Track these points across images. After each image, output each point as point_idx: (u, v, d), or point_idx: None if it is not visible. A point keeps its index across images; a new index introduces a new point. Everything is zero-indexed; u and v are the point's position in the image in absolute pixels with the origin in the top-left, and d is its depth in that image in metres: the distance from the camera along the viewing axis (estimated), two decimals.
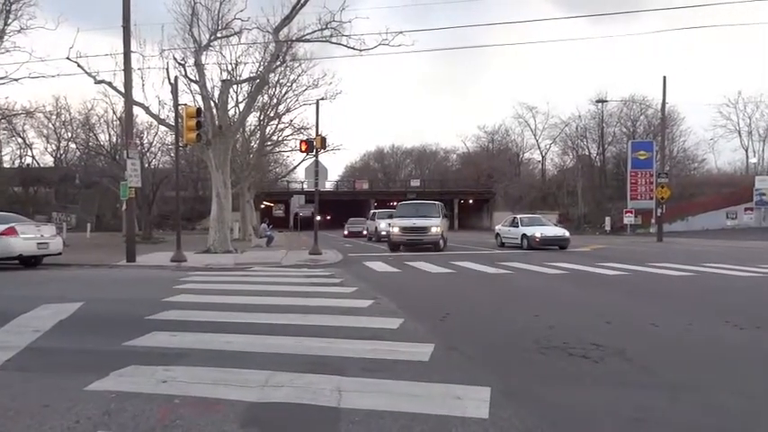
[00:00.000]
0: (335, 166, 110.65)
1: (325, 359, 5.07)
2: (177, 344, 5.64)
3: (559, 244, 21.65)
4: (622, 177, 49.91)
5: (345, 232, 39.94)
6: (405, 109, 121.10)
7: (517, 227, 22.96)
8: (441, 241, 20.45)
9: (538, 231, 21.82)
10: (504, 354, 5.37)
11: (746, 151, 56.13)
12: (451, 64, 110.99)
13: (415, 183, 66.24)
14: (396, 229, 20.97)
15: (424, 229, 20.48)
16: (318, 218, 20.33)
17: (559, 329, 6.35)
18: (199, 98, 22.18)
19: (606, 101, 49.12)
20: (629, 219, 41.19)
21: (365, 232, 36.68)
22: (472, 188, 64.99)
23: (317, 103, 21.15)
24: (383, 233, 27.52)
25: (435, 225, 20.57)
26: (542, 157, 63.73)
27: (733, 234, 36.28)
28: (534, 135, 63.82)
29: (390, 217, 24.80)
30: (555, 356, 5.20)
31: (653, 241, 29.68)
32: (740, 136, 56.29)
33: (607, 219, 44.55)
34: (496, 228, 25.89)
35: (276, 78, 30.00)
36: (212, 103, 21.01)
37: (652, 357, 5.19)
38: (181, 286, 10.43)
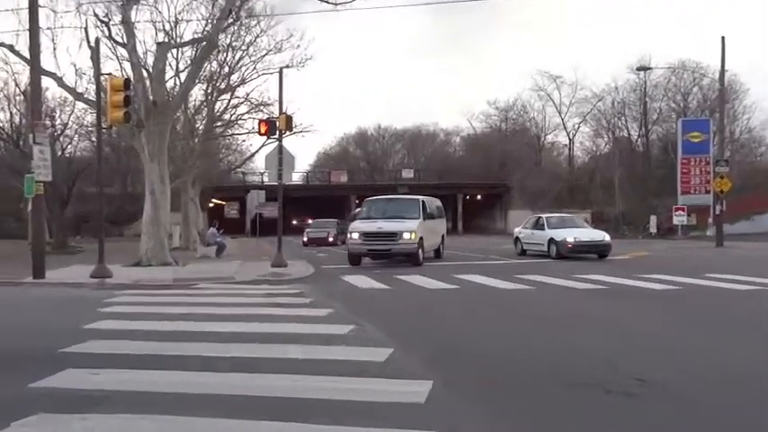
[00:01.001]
0: (305, 153, 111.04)
1: (291, 403, 5.02)
2: (99, 384, 5.57)
3: (598, 251, 21.53)
4: (671, 166, 50.36)
5: (305, 239, 37.55)
6: (394, 80, 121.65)
7: (543, 229, 22.85)
8: (418, 252, 19.12)
9: (570, 235, 21.61)
10: (521, 393, 5.36)
11: None
12: (454, 22, 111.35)
13: (408, 174, 66.47)
14: (355, 235, 19.67)
15: (393, 236, 18.99)
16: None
17: (593, 360, 6.36)
18: (127, 66, 22.04)
19: (650, 68, 49.40)
20: (679, 218, 41.59)
21: (331, 238, 36.11)
22: (481, 180, 65.29)
23: (281, 72, 21.07)
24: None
25: (409, 229, 19.09)
26: (569, 140, 64.27)
27: None
28: (559, 112, 64.32)
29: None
30: (587, 395, 5.19)
31: (710, 246, 30.02)
32: None
33: (652, 218, 44.96)
34: (516, 231, 25.83)
35: (228, 40, 29.90)
36: (145, 73, 20.85)
37: (710, 394, 5.22)
38: (104, 309, 10.32)
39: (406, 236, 18.96)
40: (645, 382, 5.48)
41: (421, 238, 19.29)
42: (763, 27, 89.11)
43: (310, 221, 42.79)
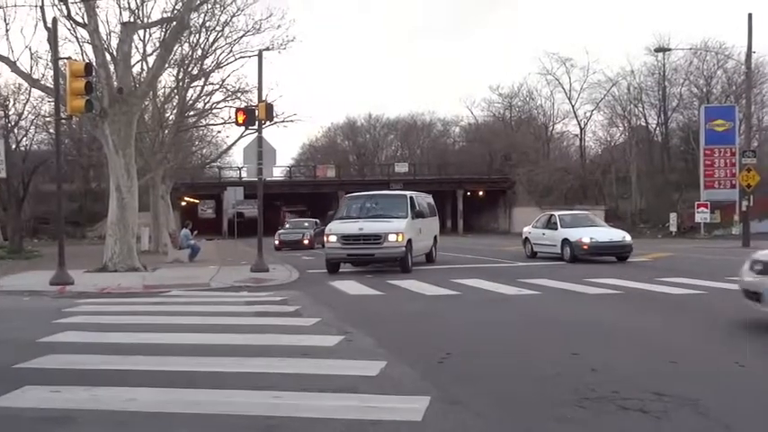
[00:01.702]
0: (289, 146, 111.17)
1: (275, 422, 5.04)
2: (60, 403, 5.56)
3: (617, 253, 21.43)
4: (693, 157, 50.62)
5: (276, 241, 36.07)
6: (386, 65, 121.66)
7: (555, 228, 22.75)
8: (407, 256, 18.41)
9: (586, 235, 21.47)
10: (526, 409, 5.40)
11: None
12: (452, 0, 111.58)
13: (402, 168, 66.53)
14: (332, 239, 18.73)
15: (376, 239, 18.12)
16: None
17: (607, 373, 6.41)
18: (89, 49, 21.97)
19: (669, 49, 49.56)
20: (702, 215, 41.80)
21: (307, 241, 35.40)
22: (483, 175, 65.44)
23: (260, 56, 21.07)
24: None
25: (396, 230, 18.22)
26: (581, 129, 64.27)
27: None
28: (569, 99, 64.30)
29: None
30: (602, 412, 5.23)
31: (737, 246, 30.13)
32: None
33: (672, 216, 45.18)
34: (524, 230, 25.68)
35: (200, 20, 29.84)
36: (109, 57, 20.82)
37: (738, 410, 5.27)
38: (66, 320, 10.32)
39: (392, 238, 18.12)
40: (663, 397, 5.53)
41: (409, 241, 18.58)
42: None
43: (287, 224, 41.75)
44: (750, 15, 31.72)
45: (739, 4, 65.56)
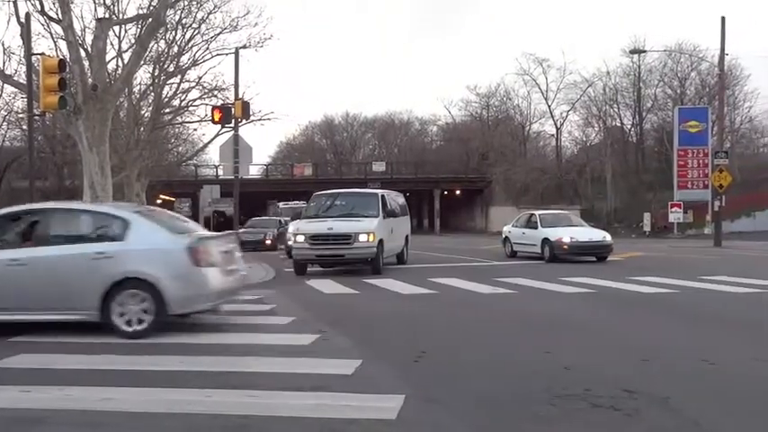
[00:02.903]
0: (266, 144, 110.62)
1: (249, 421, 5.05)
2: (32, 403, 5.54)
3: (597, 253, 21.54)
4: (667, 158, 51.20)
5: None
6: (364, 63, 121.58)
7: (535, 228, 22.78)
8: (378, 257, 17.89)
9: (566, 235, 21.56)
10: (502, 407, 5.45)
11: None
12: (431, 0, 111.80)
13: (380, 166, 66.54)
14: (300, 238, 18.09)
15: (346, 239, 17.60)
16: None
17: (579, 371, 6.49)
18: (63, 45, 21.66)
19: (644, 51, 50.21)
20: (675, 215, 42.33)
21: (269, 241, 33.79)
22: (460, 174, 65.64)
23: (237, 53, 21.07)
24: (289, 242, 24.59)
25: (367, 230, 17.70)
26: (557, 129, 64.73)
27: None
28: (546, 99, 64.71)
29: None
30: (573, 409, 5.30)
31: (709, 245, 30.59)
32: None
33: (646, 215, 45.67)
34: (504, 229, 25.66)
35: (177, 17, 29.60)
36: (83, 53, 20.58)
37: (707, 407, 5.37)
38: None
39: (362, 238, 17.55)
40: (634, 395, 5.61)
41: (381, 241, 17.99)
42: (765, 5, 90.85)
43: (250, 221, 39.76)
44: (723, 19, 32.18)
45: (713, 7, 66.49)
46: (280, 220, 36.89)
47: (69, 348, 7.83)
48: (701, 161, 44.58)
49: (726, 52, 33.11)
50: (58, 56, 20.67)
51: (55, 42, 24.84)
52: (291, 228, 24.20)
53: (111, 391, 5.86)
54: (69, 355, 7.47)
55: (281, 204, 28.75)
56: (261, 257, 25.04)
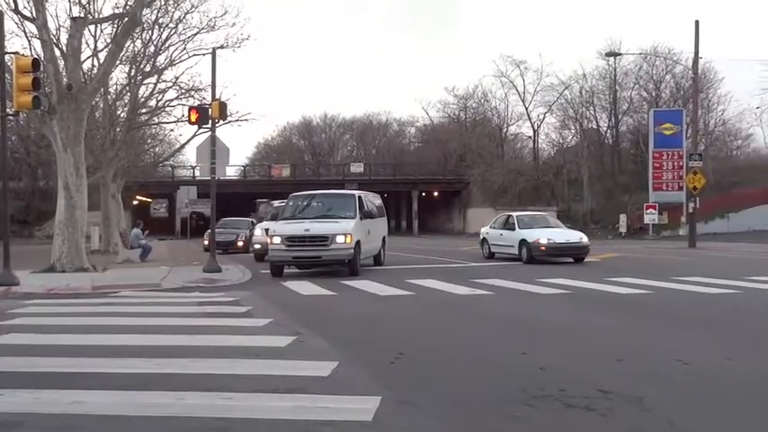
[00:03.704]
0: (244, 145, 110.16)
1: (225, 423, 5.02)
2: (8, 406, 5.48)
3: (574, 254, 21.65)
4: (642, 160, 51.71)
5: (205, 241, 31.44)
6: (342, 65, 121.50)
7: (513, 229, 22.84)
8: (355, 258, 17.78)
9: (543, 236, 21.64)
10: (478, 408, 5.46)
11: None
12: (409, 1, 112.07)
13: (358, 168, 66.55)
14: (276, 240, 17.86)
15: (323, 240, 17.46)
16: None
17: (554, 371, 6.52)
18: (37, 44, 21.51)
19: (620, 54, 50.82)
20: (651, 217, 42.79)
21: (241, 242, 32.80)
22: (438, 175, 65.81)
23: (214, 53, 20.89)
24: (256, 245, 24.17)
25: (344, 231, 17.57)
26: (534, 131, 65.21)
27: None
28: (523, 101, 65.15)
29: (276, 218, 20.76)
30: (548, 410, 5.32)
31: (683, 247, 30.94)
32: None
33: (622, 217, 46.12)
34: (482, 231, 25.71)
35: (154, 16, 29.44)
36: (58, 52, 20.39)
37: (681, 406, 5.41)
38: (10, 322, 10.10)
39: (339, 239, 17.42)
40: (608, 395, 5.65)
41: (358, 242, 17.98)
42: (738, 10, 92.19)
43: (221, 221, 38.28)
44: (697, 22, 32.53)
45: (687, 11, 67.21)
46: (252, 221, 35.72)
47: (43, 351, 7.72)
48: (675, 163, 45.12)
49: (700, 56, 33.52)
50: (32, 55, 20.43)
51: (29, 41, 24.68)
52: (258, 231, 24.13)
53: (83, 394, 5.79)
54: (42, 357, 7.36)
55: (275, 203, 27.71)
56: (236, 259, 24.94)
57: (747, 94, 68.04)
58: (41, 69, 16.87)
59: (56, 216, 20.02)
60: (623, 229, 45.27)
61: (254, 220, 34.47)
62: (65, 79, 19.80)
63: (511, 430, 4.96)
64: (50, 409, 5.41)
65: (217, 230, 36.24)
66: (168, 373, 6.62)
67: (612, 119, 60.39)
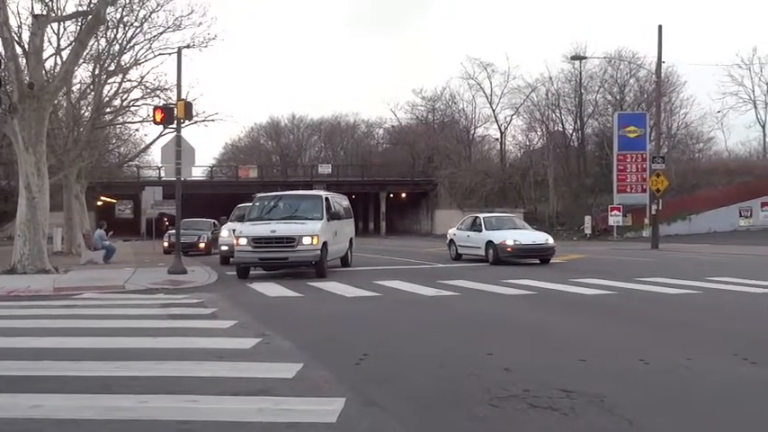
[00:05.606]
0: (210, 145, 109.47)
1: (189, 426, 5.00)
2: None
3: (540, 255, 21.87)
4: (607, 162, 52.38)
5: (165, 243, 32.05)
6: (310, 65, 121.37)
7: (479, 231, 22.96)
8: (322, 260, 17.66)
9: (510, 237, 21.79)
10: (442, 409, 5.49)
11: (764, 128, 60.42)
12: (377, 2, 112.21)
13: (326, 169, 66.44)
14: (242, 241, 17.71)
15: (290, 242, 17.37)
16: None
17: (519, 372, 6.58)
18: None
19: (585, 57, 51.31)
20: (615, 218, 43.36)
21: (203, 244, 31.77)
22: (406, 177, 66.01)
23: (179, 53, 20.75)
24: (223, 247, 23.50)
25: (311, 233, 17.50)
26: (501, 133, 65.62)
27: (748, 237, 39.03)
28: (490, 103, 65.55)
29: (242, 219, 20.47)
30: (512, 410, 5.37)
31: (646, 248, 31.39)
32: (755, 107, 60.53)
33: (587, 218, 46.63)
34: (449, 232, 25.81)
35: (118, 14, 29.09)
36: (19, 50, 20.07)
37: (641, 406, 5.49)
38: None
39: (306, 241, 17.35)
40: (571, 395, 5.72)
41: (325, 243, 17.87)
42: (701, 17, 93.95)
43: (183, 222, 37.20)
44: (660, 27, 33.04)
45: (651, 16, 68.36)
46: (214, 222, 34.90)
47: (3, 354, 7.59)
48: (639, 166, 45.74)
49: (663, 60, 34.01)
50: None
51: None
52: (224, 232, 23.77)
53: (42, 398, 5.71)
54: (2, 361, 7.24)
55: (241, 205, 26.78)
56: (201, 261, 24.71)
57: (709, 98, 69.33)
58: (2, 67, 16.59)
59: (17, 217, 19.71)
60: (588, 231, 45.76)
61: (216, 221, 33.87)
62: (26, 78, 19.48)
63: (475, 430, 5.00)
64: (9, 413, 5.33)
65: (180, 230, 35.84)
66: (131, 375, 6.54)
67: (578, 121, 61.04)
